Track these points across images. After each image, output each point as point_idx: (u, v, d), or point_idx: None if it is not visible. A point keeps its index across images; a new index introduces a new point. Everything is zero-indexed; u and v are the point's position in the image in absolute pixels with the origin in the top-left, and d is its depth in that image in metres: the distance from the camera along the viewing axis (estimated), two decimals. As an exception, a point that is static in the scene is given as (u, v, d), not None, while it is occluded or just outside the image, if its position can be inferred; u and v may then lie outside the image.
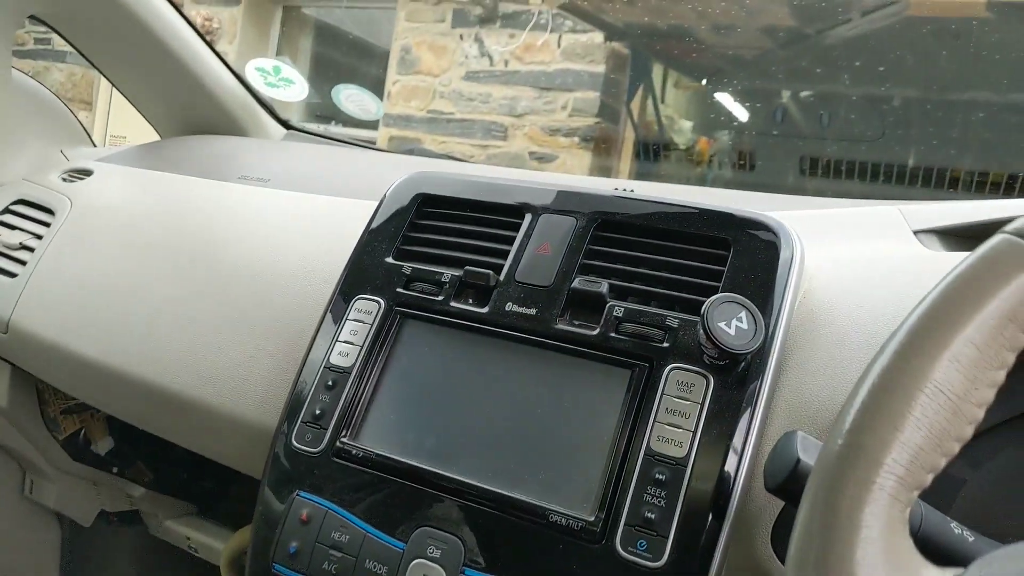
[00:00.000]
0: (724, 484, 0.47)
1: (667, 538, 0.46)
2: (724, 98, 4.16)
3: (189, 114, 1.06)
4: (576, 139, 3.63)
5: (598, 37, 3.59)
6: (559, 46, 3.61)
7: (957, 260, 0.55)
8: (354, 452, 0.54)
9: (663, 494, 0.47)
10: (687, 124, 4.26)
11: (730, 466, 0.47)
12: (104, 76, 1.00)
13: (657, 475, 0.48)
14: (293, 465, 0.56)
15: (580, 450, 0.51)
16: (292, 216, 0.75)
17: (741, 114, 4.06)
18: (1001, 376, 0.31)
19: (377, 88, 3.91)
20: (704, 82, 4.45)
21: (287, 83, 1.12)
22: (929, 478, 0.29)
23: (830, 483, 0.29)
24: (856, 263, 0.59)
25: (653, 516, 0.47)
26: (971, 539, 0.39)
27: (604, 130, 3.66)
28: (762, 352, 0.50)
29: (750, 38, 3.52)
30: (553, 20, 3.59)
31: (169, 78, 0.99)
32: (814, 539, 0.29)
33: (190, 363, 0.68)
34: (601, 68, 3.59)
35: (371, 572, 0.51)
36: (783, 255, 0.54)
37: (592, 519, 0.48)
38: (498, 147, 3.63)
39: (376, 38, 4.16)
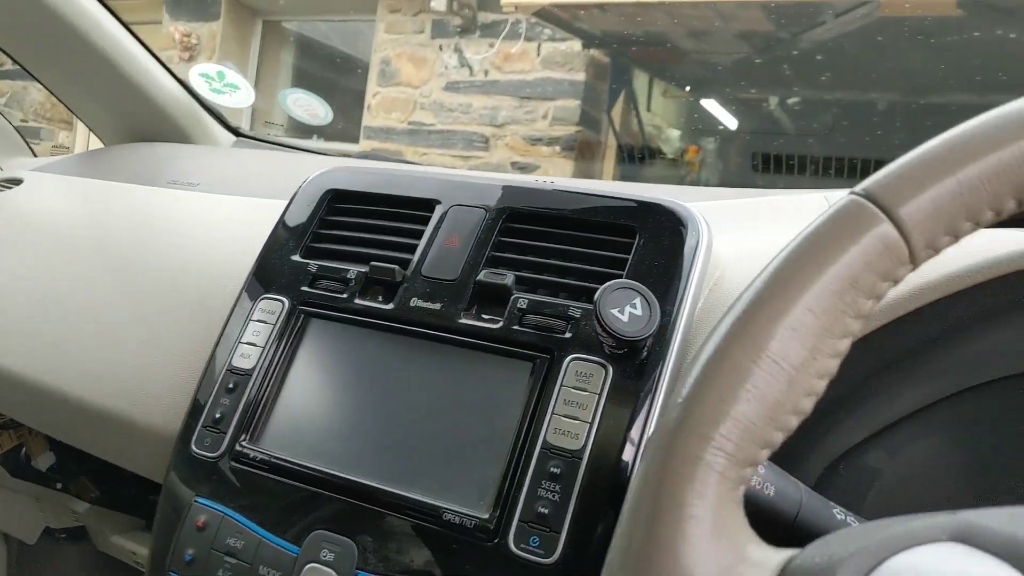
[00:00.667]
0: (620, 476, 0.45)
1: (560, 534, 0.44)
2: (709, 104, 4.17)
3: (131, 122, 1.05)
4: (557, 148, 3.63)
5: (577, 45, 3.60)
6: (539, 55, 3.62)
7: None
8: (252, 456, 0.53)
9: (557, 488, 0.46)
10: (675, 133, 4.26)
11: (627, 457, 0.46)
12: (40, 83, 0.99)
13: (552, 469, 0.46)
14: (192, 471, 0.54)
15: (480, 446, 0.49)
16: (214, 218, 0.74)
17: (727, 119, 4.07)
18: (844, 345, 0.29)
19: (358, 101, 3.92)
20: (688, 89, 4.46)
21: (232, 88, 1.10)
22: (764, 454, 0.28)
23: (659, 459, 0.28)
24: (774, 249, 0.58)
25: (547, 511, 0.45)
26: (854, 525, 0.38)
27: (586, 138, 3.66)
28: (663, 340, 0.49)
29: (727, 44, 3.53)
30: (532, 29, 3.60)
31: (106, 85, 0.98)
32: (641, 517, 0.27)
33: (103, 372, 0.66)
34: (581, 76, 3.60)
35: (264, 578, 0.49)
36: (688, 241, 0.52)
37: (487, 516, 0.46)
38: (479, 158, 3.63)
39: (357, 51, 4.17)
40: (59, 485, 0.98)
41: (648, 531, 0.27)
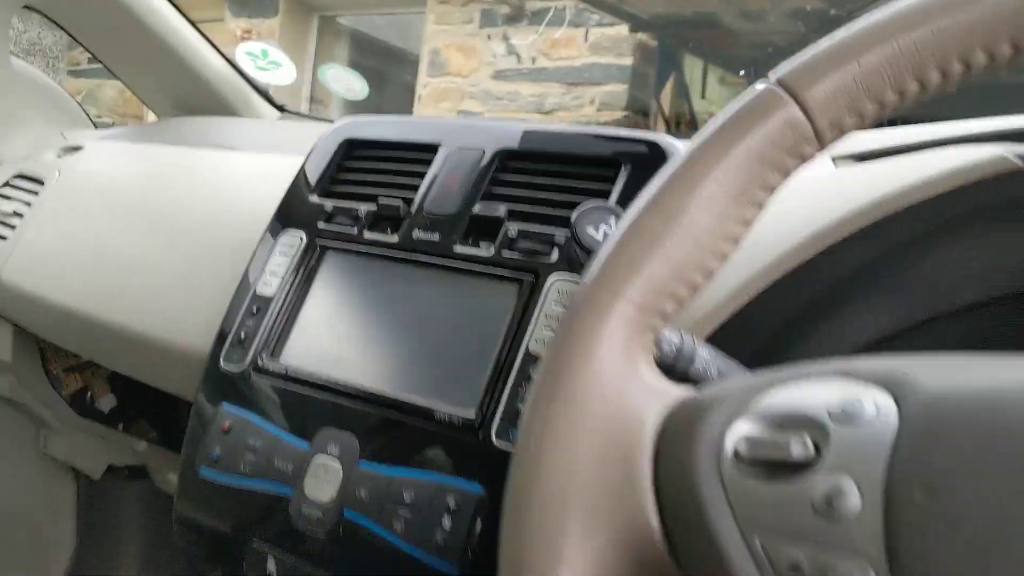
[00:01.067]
0: (592, 379, 0.49)
1: (536, 429, 0.49)
2: (764, 89, 4.08)
3: (182, 97, 1.14)
4: (605, 133, 3.63)
5: (625, 30, 3.59)
6: (587, 40, 3.63)
7: (866, 174, 0.55)
8: (271, 369, 0.59)
9: (535, 390, 0.50)
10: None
11: (600, 363, 0.50)
12: (98, 61, 1.08)
13: (531, 373, 0.51)
14: (219, 383, 0.61)
15: (470, 356, 0.54)
16: (252, 172, 0.81)
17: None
18: (752, 214, 0.32)
19: (409, 92, 4.01)
20: (742, 73, 4.38)
21: (275, 66, 1.18)
22: (670, 306, 0.31)
23: (575, 308, 0.32)
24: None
25: (525, 410, 0.50)
26: None
27: (634, 123, 3.65)
28: (639, 260, 0.52)
29: (780, 24, 3.46)
30: (580, 15, 3.62)
31: (158, 62, 1.06)
32: (560, 351, 0.31)
33: (155, 308, 0.74)
34: (629, 61, 3.59)
35: (279, 470, 0.55)
36: (669, 171, 0.56)
37: (472, 416, 0.51)
38: (527, 143, 3.66)
39: (409, 43, 4.27)
40: (120, 426, 1.07)
41: (563, 363, 0.31)
